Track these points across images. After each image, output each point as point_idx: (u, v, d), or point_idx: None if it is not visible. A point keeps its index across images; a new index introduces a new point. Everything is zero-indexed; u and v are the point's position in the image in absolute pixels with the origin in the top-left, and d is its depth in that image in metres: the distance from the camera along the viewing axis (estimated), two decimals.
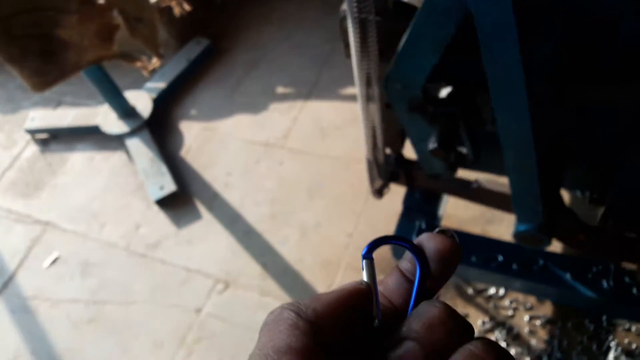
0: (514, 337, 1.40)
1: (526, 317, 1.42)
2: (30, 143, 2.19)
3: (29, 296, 1.74)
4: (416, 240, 0.34)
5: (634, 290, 1.28)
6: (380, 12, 0.91)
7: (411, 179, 1.31)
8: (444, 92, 0.98)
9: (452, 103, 0.98)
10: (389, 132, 1.17)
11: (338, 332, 0.31)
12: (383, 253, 1.52)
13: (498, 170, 1.16)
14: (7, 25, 1.36)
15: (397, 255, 1.51)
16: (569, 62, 0.82)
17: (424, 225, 1.42)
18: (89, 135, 2.13)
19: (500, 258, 1.38)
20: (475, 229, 1.57)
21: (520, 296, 1.45)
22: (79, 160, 2.09)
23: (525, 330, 1.41)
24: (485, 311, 1.45)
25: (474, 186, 1.23)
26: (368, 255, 0.34)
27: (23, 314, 1.71)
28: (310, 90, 2.05)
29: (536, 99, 0.80)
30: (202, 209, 1.83)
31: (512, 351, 1.36)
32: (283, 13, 2.32)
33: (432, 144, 1.04)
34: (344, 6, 0.92)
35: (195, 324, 1.57)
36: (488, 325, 1.42)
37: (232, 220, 1.77)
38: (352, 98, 1.97)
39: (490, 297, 1.47)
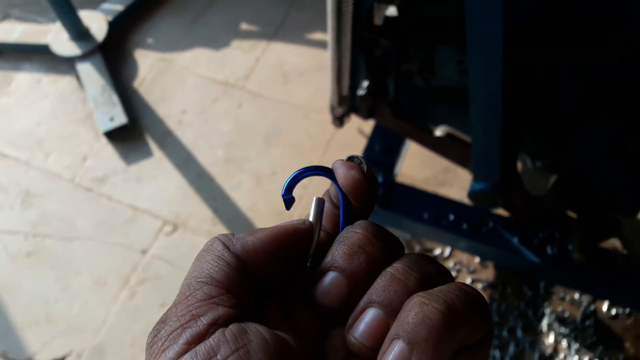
0: None
1: (468, 280, 1.46)
2: None
3: None
4: (331, 167, 0.34)
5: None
6: None
7: (373, 110, 1.29)
8: (389, 11, 0.99)
9: (386, 34, 0.98)
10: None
11: (269, 267, 0.31)
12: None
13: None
14: None
15: None
16: (543, 20, 0.84)
17: (380, 179, 1.41)
18: (37, 55, 2.00)
19: (452, 217, 1.39)
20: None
21: (464, 258, 1.48)
22: (25, 81, 1.95)
23: None
24: None
25: (437, 134, 1.22)
26: (288, 195, 0.33)
27: None
28: (275, 30, 1.96)
29: (507, 54, 0.81)
30: (153, 145, 1.76)
31: None
32: None
33: (361, 90, 1.06)
34: None
35: (140, 265, 1.54)
36: None
37: (185, 161, 1.72)
38: (319, 44, 1.89)
39: (435, 258, 1.49)
